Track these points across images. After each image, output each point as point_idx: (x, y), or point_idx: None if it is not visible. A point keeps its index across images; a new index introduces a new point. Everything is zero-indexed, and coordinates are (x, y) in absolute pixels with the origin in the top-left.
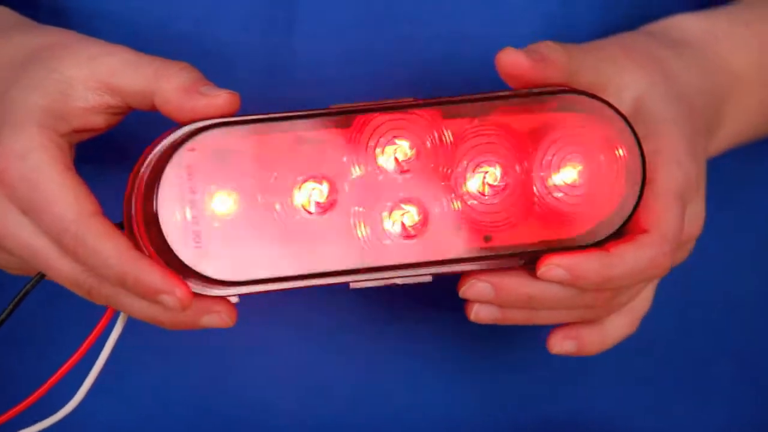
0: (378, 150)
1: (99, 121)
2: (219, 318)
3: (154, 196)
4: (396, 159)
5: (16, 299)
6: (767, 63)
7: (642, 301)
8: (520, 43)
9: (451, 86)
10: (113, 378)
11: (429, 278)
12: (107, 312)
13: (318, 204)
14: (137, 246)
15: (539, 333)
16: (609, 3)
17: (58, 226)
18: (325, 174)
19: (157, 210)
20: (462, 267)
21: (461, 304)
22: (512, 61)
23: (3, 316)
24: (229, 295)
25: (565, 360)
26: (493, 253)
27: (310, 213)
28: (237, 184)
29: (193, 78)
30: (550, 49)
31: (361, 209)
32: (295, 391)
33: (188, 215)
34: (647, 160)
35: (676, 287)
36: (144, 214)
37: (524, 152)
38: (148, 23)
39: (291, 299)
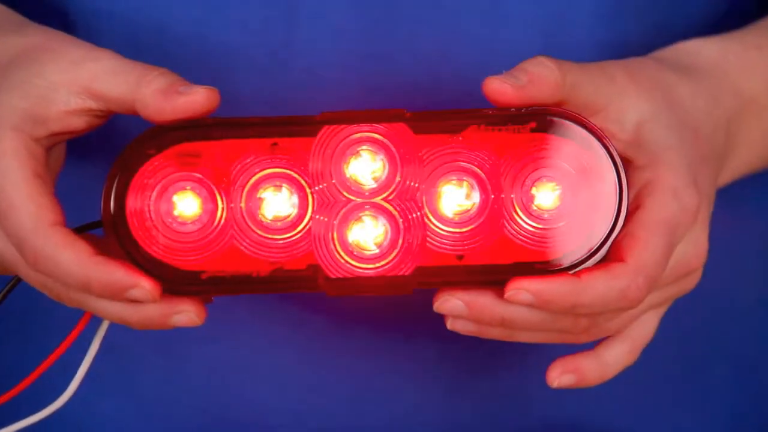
0: (344, 163)
1: (79, 123)
2: (187, 317)
3: (123, 196)
4: (363, 171)
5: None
6: None
7: (643, 330)
8: (518, 47)
9: (449, 89)
10: (114, 377)
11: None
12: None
13: (281, 210)
14: (102, 249)
15: None
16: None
17: (17, 235)
18: (290, 182)
19: (125, 209)
20: (434, 280)
21: None
22: (496, 89)
23: None
24: (198, 293)
25: None
26: (464, 270)
27: (273, 220)
28: (201, 186)
29: (170, 80)
30: (540, 66)
31: (324, 219)
32: (295, 391)
33: (156, 214)
34: (642, 187)
35: None
36: (114, 213)
37: (499, 173)
38: (149, 24)
39: (291, 300)
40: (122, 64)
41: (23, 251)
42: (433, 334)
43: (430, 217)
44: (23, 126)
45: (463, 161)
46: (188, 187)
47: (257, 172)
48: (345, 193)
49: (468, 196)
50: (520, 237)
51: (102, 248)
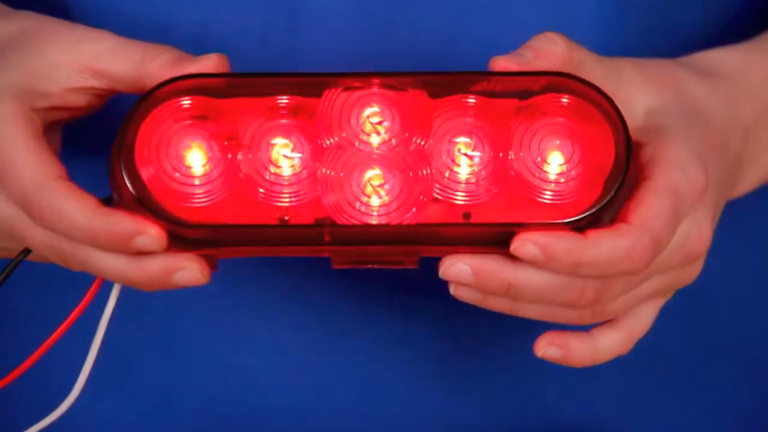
0: (353, 120)
1: (80, 101)
2: (191, 273)
3: (132, 152)
4: (371, 127)
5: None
6: None
7: (640, 321)
8: (519, 45)
9: None
10: (116, 377)
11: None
12: (96, 281)
13: (288, 161)
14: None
15: None
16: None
17: (21, 190)
18: (298, 136)
19: (135, 165)
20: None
21: (463, 307)
22: (502, 67)
23: None
24: (205, 250)
25: None
26: (471, 225)
27: (280, 173)
28: (208, 141)
29: (177, 54)
30: (548, 41)
31: (331, 173)
32: (295, 391)
33: (163, 169)
34: (649, 160)
35: (679, 291)
36: (122, 170)
37: (509, 132)
38: (150, 27)
39: (291, 300)
40: (124, 42)
41: (28, 206)
42: (436, 335)
43: (438, 175)
44: (23, 96)
45: (473, 119)
46: (195, 142)
47: (267, 126)
48: (355, 144)
49: (477, 153)
50: (528, 197)
51: None
